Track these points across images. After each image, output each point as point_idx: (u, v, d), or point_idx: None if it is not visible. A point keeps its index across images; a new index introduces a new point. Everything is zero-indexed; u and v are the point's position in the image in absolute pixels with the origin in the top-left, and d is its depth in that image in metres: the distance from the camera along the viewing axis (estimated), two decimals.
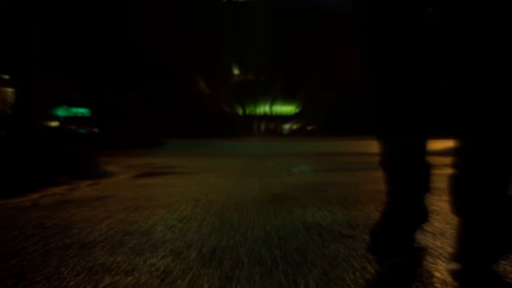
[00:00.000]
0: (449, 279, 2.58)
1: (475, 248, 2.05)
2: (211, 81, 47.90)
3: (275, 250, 3.24)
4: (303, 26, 41.55)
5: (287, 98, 52.73)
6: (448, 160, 9.20)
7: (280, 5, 45.18)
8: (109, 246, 3.42)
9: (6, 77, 27.73)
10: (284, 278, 2.65)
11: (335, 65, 40.91)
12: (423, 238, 3.48)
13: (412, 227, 2.70)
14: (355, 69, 40.92)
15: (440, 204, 4.93)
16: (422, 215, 2.75)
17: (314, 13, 41.64)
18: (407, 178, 2.59)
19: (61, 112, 36.59)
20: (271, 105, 54.49)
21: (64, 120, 34.60)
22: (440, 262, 2.88)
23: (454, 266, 2.82)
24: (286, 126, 54.99)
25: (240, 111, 54.44)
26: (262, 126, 54.42)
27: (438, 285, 2.57)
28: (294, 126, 54.16)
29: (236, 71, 52.16)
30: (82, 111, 36.95)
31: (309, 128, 50.59)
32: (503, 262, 2.84)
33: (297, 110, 53.83)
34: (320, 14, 40.44)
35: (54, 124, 33.05)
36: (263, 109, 54.81)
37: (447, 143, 16.20)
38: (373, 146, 16.61)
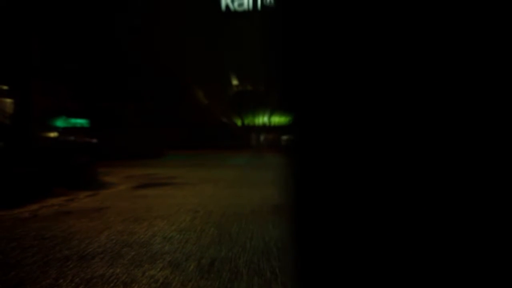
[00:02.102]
0: None
1: None
2: (209, 91, 47.95)
3: (274, 262, 3.24)
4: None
5: (286, 109, 52.85)
6: None
7: (278, 15, 45.38)
8: (108, 258, 3.42)
9: (5, 87, 27.73)
10: None
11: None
12: None
13: None
14: None
15: None
16: None
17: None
18: None
19: (59, 122, 36.54)
20: (270, 115, 54.49)
21: (62, 131, 34.57)
22: None
23: None
24: (285, 137, 55.03)
25: (239, 122, 54.46)
26: (261, 137, 54.42)
27: None
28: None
29: (234, 82, 52.23)
30: (81, 121, 36.92)
31: None
32: None
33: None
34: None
35: (53, 134, 33.00)
36: (262, 119, 54.80)
37: None
38: None
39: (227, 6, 48.17)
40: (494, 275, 1.27)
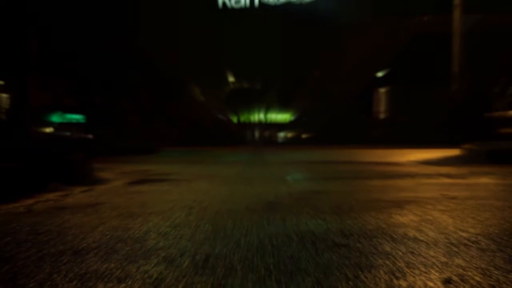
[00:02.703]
0: None
1: None
2: (206, 88, 47.87)
3: (268, 258, 3.24)
4: (298, 35, 41.62)
5: (282, 106, 52.78)
6: (441, 169, 9.19)
7: (276, 13, 45.32)
8: (102, 253, 3.42)
9: (1, 83, 27.68)
10: (277, 286, 2.65)
11: (329, 74, 41.09)
12: (416, 247, 3.49)
13: None
14: (348, 79, 40.97)
15: (433, 214, 4.95)
16: None
17: (310, 23, 41.72)
18: None
19: (55, 118, 36.49)
20: (266, 113, 54.49)
21: (58, 127, 34.54)
22: (433, 271, 2.88)
23: (447, 275, 2.82)
24: (281, 134, 54.99)
25: (235, 119, 54.43)
26: (257, 134, 54.38)
27: None
28: (289, 135, 54.12)
29: (231, 79, 52.18)
30: (77, 117, 36.90)
31: (303, 136, 50.59)
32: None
33: (292, 118, 53.84)
34: (315, 24, 40.51)
35: (49, 130, 32.99)
36: (258, 117, 54.77)
37: (437, 153, 15.90)
38: (366, 155, 16.42)
39: (224, 3, 48.18)
40: None
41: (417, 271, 2.89)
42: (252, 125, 55.07)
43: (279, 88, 48.22)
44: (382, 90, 41.10)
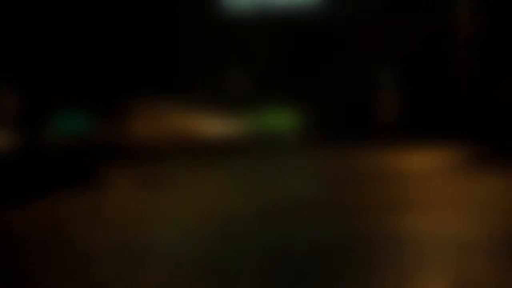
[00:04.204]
0: None
1: None
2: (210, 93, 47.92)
3: (276, 263, 3.24)
4: (303, 36, 41.54)
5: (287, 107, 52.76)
6: (448, 169, 9.16)
7: (278, 16, 45.29)
8: (110, 258, 3.42)
9: (8, 87, 27.82)
10: None
11: (333, 75, 41.07)
12: (423, 250, 3.48)
13: None
14: (352, 79, 40.97)
15: (440, 215, 4.93)
16: None
17: (315, 24, 41.67)
18: None
19: (63, 121, 36.70)
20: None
21: (66, 130, 34.66)
22: (440, 274, 2.87)
23: (454, 279, 2.81)
24: None
25: None
26: None
27: None
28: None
29: (236, 81, 52.26)
30: (84, 120, 37.07)
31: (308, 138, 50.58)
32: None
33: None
34: (320, 25, 40.51)
35: (57, 133, 33.10)
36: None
37: (443, 153, 15.90)
38: (371, 156, 16.42)
39: (228, 6, 48.26)
40: None
41: (424, 274, 2.88)
42: None
43: (282, 90, 48.19)
44: (388, 90, 41.01)
